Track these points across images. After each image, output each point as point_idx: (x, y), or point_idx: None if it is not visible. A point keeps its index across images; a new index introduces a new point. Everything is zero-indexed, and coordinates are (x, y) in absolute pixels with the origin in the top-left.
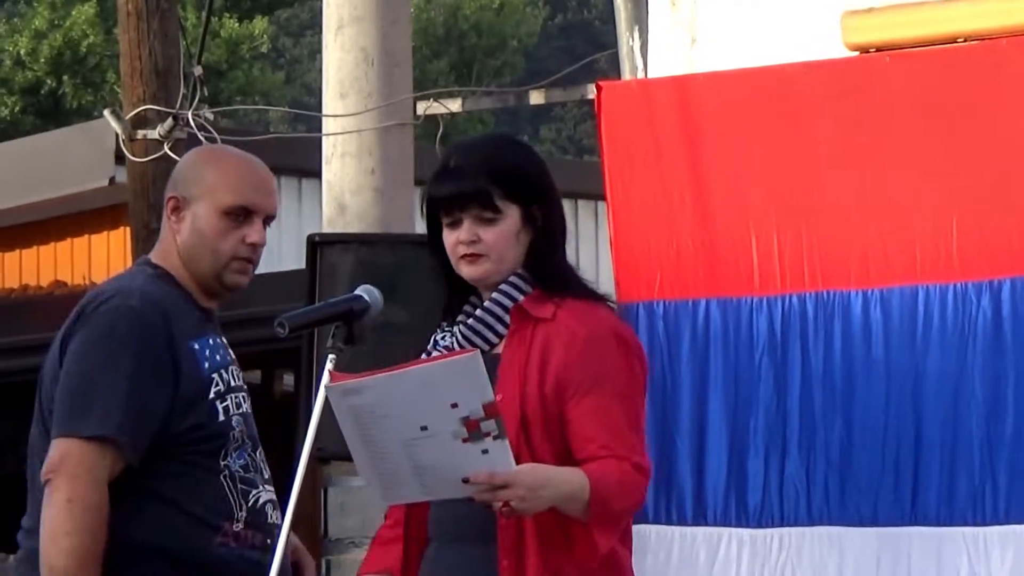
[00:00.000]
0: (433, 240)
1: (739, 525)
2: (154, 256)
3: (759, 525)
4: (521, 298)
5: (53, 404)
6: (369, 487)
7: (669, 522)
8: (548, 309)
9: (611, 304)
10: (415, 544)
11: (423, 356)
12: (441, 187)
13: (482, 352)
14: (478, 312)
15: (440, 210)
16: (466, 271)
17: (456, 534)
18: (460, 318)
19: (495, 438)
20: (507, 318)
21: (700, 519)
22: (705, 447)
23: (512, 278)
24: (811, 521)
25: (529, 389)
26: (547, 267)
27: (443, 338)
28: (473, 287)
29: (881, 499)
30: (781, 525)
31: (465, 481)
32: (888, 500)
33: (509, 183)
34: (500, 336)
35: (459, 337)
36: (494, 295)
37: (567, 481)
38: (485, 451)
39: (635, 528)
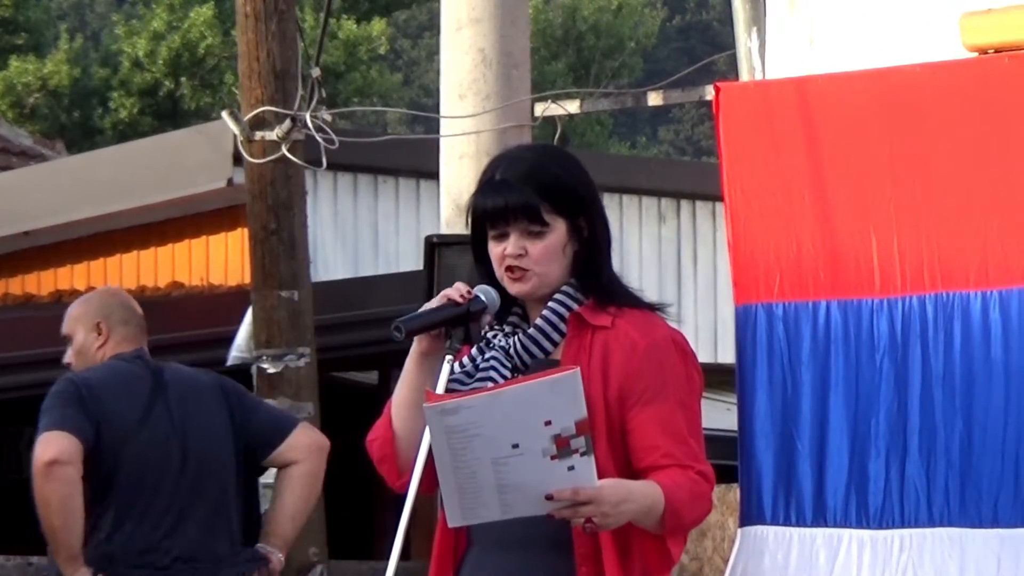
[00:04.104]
0: (477, 250)
1: (859, 526)
2: None
3: (880, 526)
4: (576, 307)
5: None
6: (448, 507)
7: (788, 523)
8: (606, 318)
9: (663, 313)
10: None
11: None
12: (487, 200)
13: (537, 359)
14: (537, 322)
15: (486, 222)
16: (512, 288)
17: (509, 540)
18: (512, 320)
19: (582, 455)
20: (562, 326)
21: (820, 520)
22: (826, 448)
23: (564, 287)
24: (932, 522)
25: (592, 396)
26: (598, 278)
27: (495, 336)
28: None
29: (1002, 500)
30: (902, 526)
31: (548, 498)
32: (1009, 501)
33: (556, 197)
34: (555, 344)
35: (517, 347)
36: (550, 304)
37: (646, 495)
38: (571, 468)
39: (752, 529)
